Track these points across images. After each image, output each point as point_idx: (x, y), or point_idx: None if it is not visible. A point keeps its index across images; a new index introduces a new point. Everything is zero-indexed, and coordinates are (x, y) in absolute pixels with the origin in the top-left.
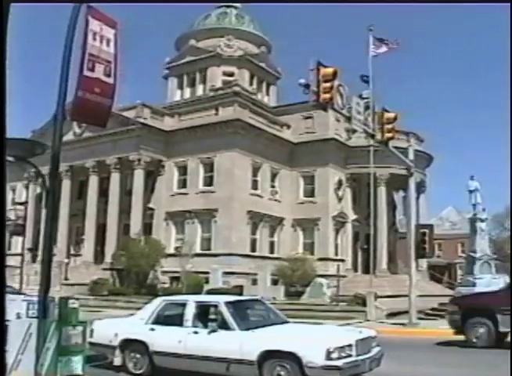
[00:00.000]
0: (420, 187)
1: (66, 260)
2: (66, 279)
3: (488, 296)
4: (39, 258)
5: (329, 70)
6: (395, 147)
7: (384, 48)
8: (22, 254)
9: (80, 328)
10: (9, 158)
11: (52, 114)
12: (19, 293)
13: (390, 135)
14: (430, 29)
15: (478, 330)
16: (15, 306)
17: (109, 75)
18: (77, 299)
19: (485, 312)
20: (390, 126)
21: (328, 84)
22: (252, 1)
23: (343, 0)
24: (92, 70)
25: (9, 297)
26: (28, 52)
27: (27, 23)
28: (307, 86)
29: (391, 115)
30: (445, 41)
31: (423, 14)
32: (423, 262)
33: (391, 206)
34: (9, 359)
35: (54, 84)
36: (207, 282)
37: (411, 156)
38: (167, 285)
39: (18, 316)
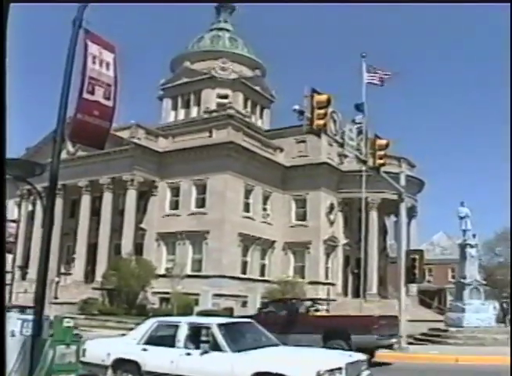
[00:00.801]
0: (412, 212)
1: (56, 279)
2: (56, 297)
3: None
4: (29, 276)
5: (323, 97)
6: (387, 172)
7: (376, 80)
8: (12, 272)
9: (74, 347)
10: (9, 177)
11: (46, 131)
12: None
13: (381, 161)
14: (430, 29)
15: None
16: (9, 324)
17: (108, 98)
18: (72, 318)
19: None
20: (381, 152)
21: (322, 111)
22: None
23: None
24: (92, 93)
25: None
26: (28, 52)
27: (27, 23)
28: (301, 112)
29: (383, 142)
30: (444, 42)
31: (422, 14)
32: (414, 287)
33: (382, 231)
34: None
35: (50, 98)
36: (196, 304)
37: (402, 181)
38: (156, 306)
39: (12, 334)
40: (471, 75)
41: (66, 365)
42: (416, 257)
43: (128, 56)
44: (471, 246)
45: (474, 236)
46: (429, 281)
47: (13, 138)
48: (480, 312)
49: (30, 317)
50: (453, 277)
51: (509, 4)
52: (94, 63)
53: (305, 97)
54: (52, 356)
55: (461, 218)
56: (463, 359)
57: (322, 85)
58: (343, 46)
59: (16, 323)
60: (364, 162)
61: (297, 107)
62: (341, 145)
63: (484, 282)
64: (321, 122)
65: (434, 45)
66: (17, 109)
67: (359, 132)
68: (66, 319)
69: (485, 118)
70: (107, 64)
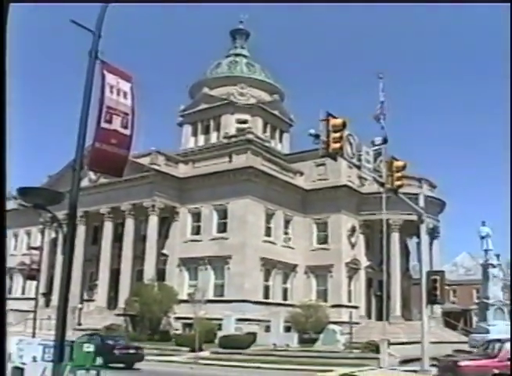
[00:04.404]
0: (434, 233)
1: (79, 305)
2: (79, 324)
3: None
4: (52, 303)
5: (339, 121)
6: (407, 193)
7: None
8: (36, 299)
9: (94, 372)
10: (30, 205)
11: (67, 159)
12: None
13: (399, 182)
14: (430, 29)
15: None
16: (31, 350)
17: (126, 127)
18: (92, 344)
19: None
20: (399, 174)
21: (337, 135)
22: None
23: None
24: (110, 121)
25: (26, 340)
26: (28, 51)
27: (27, 23)
28: (317, 136)
29: (400, 164)
30: (444, 42)
31: (422, 14)
32: (438, 309)
33: (405, 252)
34: None
35: (50, 99)
36: (219, 329)
37: (421, 202)
38: (179, 331)
39: (34, 360)
40: (471, 75)
41: None
42: (437, 278)
43: (148, 82)
44: (493, 266)
45: (497, 256)
46: (453, 302)
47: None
48: (503, 332)
49: (51, 343)
50: (478, 298)
51: (509, 4)
52: (111, 92)
53: (321, 121)
54: None
55: (482, 237)
56: None
57: (340, 108)
58: (359, 66)
59: (37, 349)
60: (382, 184)
61: (312, 131)
62: (359, 167)
63: (507, 302)
64: (337, 145)
65: (434, 45)
66: (17, 109)
67: (378, 154)
68: (86, 345)
69: (493, 130)
70: (124, 93)
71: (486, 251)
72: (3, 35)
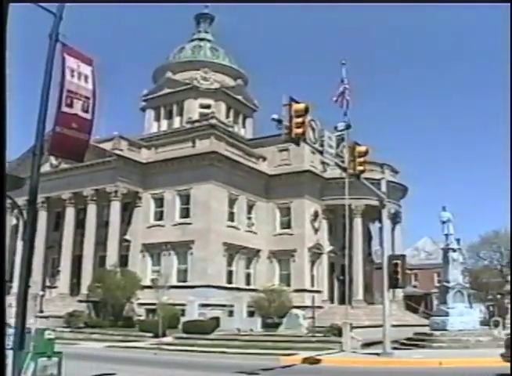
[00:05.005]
0: (396, 218)
1: (41, 292)
2: (41, 311)
3: None
4: (13, 290)
5: (301, 106)
6: (369, 179)
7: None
8: None
9: (55, 359)
10: None
11: (26, 144)
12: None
13: (361, 168)
14: (430, 29)
15: None
16: None
17: (87, 111)
18: (53, 330)
19: None
20: (361, 159)
21: (300, 120)
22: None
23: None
24: (70, 106)
25: None
26: (28, 52)
27: (27, 23)
28: (279, 121)
29: (362, 149)
30: (444, 42)
31: (422, 14)
32: (400, 293)
33: (367, 237)
34: None
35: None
36: (183, 314)
37: (383, 187)
38: (143, 317)
39: None
40: (470, 75)
41: None
42: (399, 262)
43: (110, 66)
44: (454, 250)
45: (458, 240)
46: (415, 286)
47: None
48: (464, 315)
49: (11, 331)
50: (439, 282)
51: (509, 4)
52: (72, 76)
53: (284, 106)
54: (33, 369)
55: (443, 222)
56: (446, 362)
57: (304, 93)
58: (325, 52)
59: None
60: (344, 169)
61: (275, 116)
62: (321, 153)
63: (467, 285)
64: (299, 131)
65: (433, 45)
66: (17, 109)
67: (341, 139)
68: (48, 332)
69: (479, 121)
70: (85, 77)
71: (447, 235)
72: (3, 35)
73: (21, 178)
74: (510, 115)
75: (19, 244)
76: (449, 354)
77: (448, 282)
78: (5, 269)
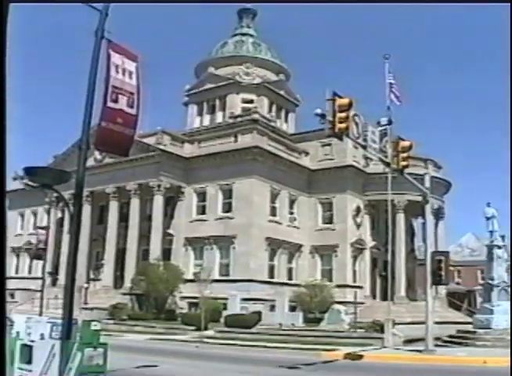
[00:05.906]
0: (439, 214)
1: (85, 285)
2: (85, 303)
3: None
4: (59, 282)
5: (345, 101)
6: (412, 174)
7: (395, 98)
8: (42, 278)
9: (101, 350)
10: (36, 185)
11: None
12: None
13: (404, 163)
14: (430, 29)
15: None
16: (39, 328)
17: (131, 106)
18: (99, 322)
19: None
20: (405, 154)
21: (343, 115)
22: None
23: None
24: (116, 101)
25: (34, 318)
26: (28, 52)
27: (27, 23)
28: (323, 116)
29: (406, 144)
30: (443, 42)
31: (422, 14)
32: (442, 289)
33: (410, 233)
34: None
35: (50, 100)
36: (225, 308)
37: (427, 183)
38: (185, 310)
39: (42, 337)
40: (470, 75)
41: (93, 367)
42: (442, 258)
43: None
44: (498, 247)
45: (502, 237)
46: (458, 283)
47: (41, 146)
48: (508, 313)
49: (59, 321)
50: (483, 279)
51: (509, 4)
52: (117, 72)
53: (327, 101)
54: (80, 359)
55: (488, 218)
56: (491, 360)
57: (347, 87)
58: (367, 46)
59: (45, 327)
60: (387, 164)
61: (318, 111)
62: (364, 147)
63: None
64: (343, 125)
65: (433, 45)
66: (18, 109)
67: (384, 134)
68: (94, 323)
69: (494, 117)
70: (130, 73)
71: (491, 232)
72: (3, 35)
73: (67, 172)
74: None
75: (66, 237)
76: (494, 353)
77: (492, 279)
78: (5, 268)
